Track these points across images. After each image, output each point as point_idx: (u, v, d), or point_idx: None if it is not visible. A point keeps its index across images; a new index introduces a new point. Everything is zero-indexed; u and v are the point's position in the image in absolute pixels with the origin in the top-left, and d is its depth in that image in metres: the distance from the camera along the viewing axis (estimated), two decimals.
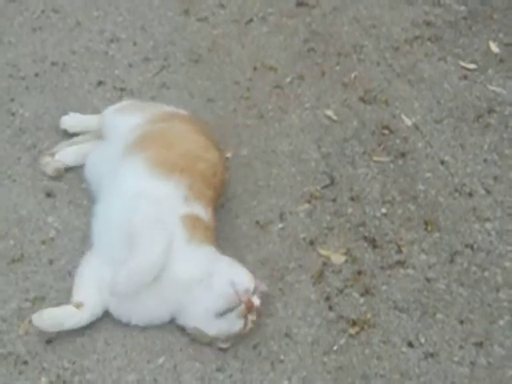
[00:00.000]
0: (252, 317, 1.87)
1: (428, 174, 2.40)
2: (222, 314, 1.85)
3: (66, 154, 2.34)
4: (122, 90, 2.64)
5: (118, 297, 1.87)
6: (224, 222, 2.22)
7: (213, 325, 1.87)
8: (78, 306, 1.89)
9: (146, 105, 2.36)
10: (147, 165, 2.00)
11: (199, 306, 1.87)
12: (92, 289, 1.92)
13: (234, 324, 1.87)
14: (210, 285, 1.86)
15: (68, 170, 2.34)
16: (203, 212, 1.99)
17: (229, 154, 2.45)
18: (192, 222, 1.94)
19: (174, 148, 2.08)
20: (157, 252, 1.83)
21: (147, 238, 1.84)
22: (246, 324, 1.87)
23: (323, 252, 2.17)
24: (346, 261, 2.15)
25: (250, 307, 1.86)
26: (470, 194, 2.33)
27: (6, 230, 2.17)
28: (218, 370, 1.88)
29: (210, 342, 1.91)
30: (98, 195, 2.11)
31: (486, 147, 2.48)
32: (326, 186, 2.37)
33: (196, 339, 1.91)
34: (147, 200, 1.92)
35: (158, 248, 1.83)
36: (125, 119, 2.22)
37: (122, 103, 2.41)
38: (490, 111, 2.60)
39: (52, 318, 1.86)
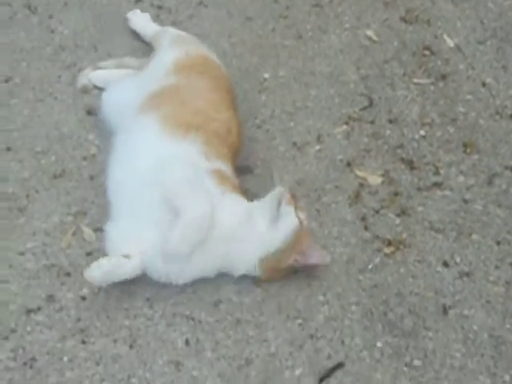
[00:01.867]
0: (301, 213, 1.88)
1: (469, 96, 2.37)
2: (274, 215, 1.87)
3: (97, 75, 2.35)
4: (159, 7, 2.61)
5: (171, 258, 1.84)
6: (261, 144, 2.23)
7: (270, 242, 1.87)
8: (127, 256, 1.86)
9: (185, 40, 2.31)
10: (164, 125, 1.96)
11: (250, 244, 1.88)
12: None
13: (288, 223, 1.86)
14: (254, 222, 1.88)
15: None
16: (225, 167, 1.97)
17: (267, 75, 2.44)
18: (220, 175, 1.92)
19: (187, 105, 2.03)
20: (204, 206, 1.81)
21: (190, 196, 1.82)
22: (299, 219, 1.86)
23: (360, 173, 2.17)
24: (383, 182, 2.15)
25: (293, 195, 1.88)
26: (511, 117, 2.30)
27: (47, 147, 2.20)
28: (254, 285, 1.92)
29: (281, 270, 1.90)
30: (116, 132, 2.08)
31: None
32: (364, 108, 2.36)
33: (268, 278, 1.91)
34: (176, 161, 1.91)
35: (203, 203, 1.81)
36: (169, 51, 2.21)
37: (179, 36, 2.35)
38: None
39: (103, 269, 1.82)
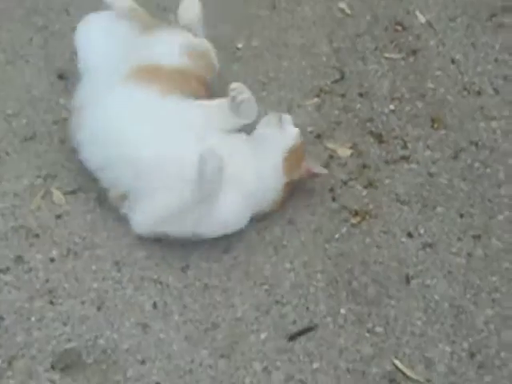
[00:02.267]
0: None
1: (438, 72, 2.41)
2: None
3: None
4: None
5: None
6: None
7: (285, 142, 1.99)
8: None
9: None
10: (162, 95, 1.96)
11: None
12: None
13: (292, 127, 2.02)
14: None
15: None
16: None
17: (240, 45, 2.46)
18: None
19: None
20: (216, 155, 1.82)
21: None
22: None
23: (330, 145, 2.20)
24: (352, 154, 2.18)
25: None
26: (479, 93, 2.35)
27: (18, 109, 2.20)
28: (224, 251, 1.95)
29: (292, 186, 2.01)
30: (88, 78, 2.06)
31: (497, 47, 2.48)
32: (335, 81, 2.38)
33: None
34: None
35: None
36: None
37: None
38: (505, 10, 2.58)
39: None
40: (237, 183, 1.88)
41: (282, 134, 2.00)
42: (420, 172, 2.15)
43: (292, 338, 1.80)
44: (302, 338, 1.79)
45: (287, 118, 2.05)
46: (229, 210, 1.88)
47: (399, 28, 2.54)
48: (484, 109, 2.30)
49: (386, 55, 2.46)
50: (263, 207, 1.98)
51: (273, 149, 1.97)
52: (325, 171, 2.06)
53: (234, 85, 1.95)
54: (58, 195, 2.01)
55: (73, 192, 2.03)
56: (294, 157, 1.99)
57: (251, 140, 2.00)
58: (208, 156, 1.78)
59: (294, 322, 1.82)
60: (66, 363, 1.71)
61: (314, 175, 2.05)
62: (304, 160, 2.02)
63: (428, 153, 2.19)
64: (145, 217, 1.88)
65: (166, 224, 1.86)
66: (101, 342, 1.75)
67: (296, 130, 2.02)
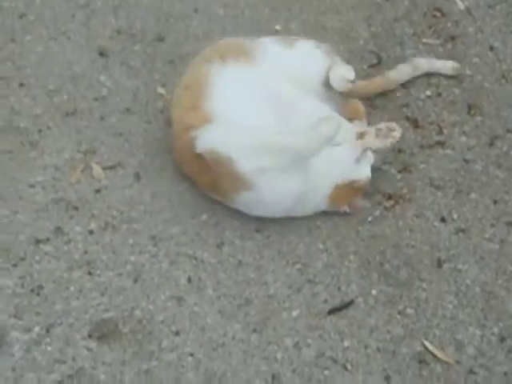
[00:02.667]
0: None
1: (476, 59, 2.41)
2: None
3: None
4: None
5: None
6: None
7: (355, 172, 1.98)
8: None
9: None
10: None
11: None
12: None
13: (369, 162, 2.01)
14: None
15: (121, 31, 2.39)
16: None
17: (278, 27, 2.47)
18: None
19: None
20: None
21: None
22: None
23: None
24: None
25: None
26: None
27: (60, 85, 2.24)
28: (257, 230, 1.97)
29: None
30: None
31: None
32: (372, 65, 2.39)
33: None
34: None
35: None
36: None
37: None
38: None
39: None
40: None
41: (354, 165, 1.97)
42: (455, 158, 2.16)
43: (331, 312, 1.83)
44: (334, 317, 1.81)
45: (370, 157, 2.01)
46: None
47: (438, 14, 2.54)
48: None
49: (424, 41, 2.46)
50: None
51: (334, 171, 1.95)
52: (367, 205, 2.03)
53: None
54: (97, 170, 2.05)
55: (112, 167, 2.07)
56: (349, 192, 1.98)
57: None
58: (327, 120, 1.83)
59: (326, 301, 1.85)
60: (103, 332, 1.75)
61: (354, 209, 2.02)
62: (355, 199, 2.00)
63: (464, 139, 2.20)
64: None
65: None
66: (137, 312, 1.79)
67: (368, 172, 1.99)
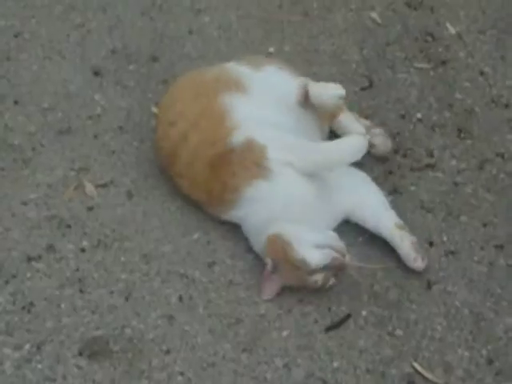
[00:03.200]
0: None
1: (466, 84, 2.44)
2: None
3: None
4: None
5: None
6: None
7: None
8: None
9: None
10: None
11: None
12: None
13: None
14: None
15: (116, 51, 2.42)
16: None
17: (271, 49, 2.50)
18: None
19: None
20: None
21: None
22: None
23: None
24: (378, 160, 2.22)
25: None
26: (507, 106, 2.38)
27: (54, 103, 2.26)
28: (248, 250, 1.98)
29: None
30: None
31: None
32: (364, 88, 2.42)
33: None
34: None
35: None
36: None
37: None
38: None
39: None
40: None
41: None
42: (445, 180, 2.18)
43: (329, 329, 1.84)
44: (323, 337, 1.82)
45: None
46: None
47: (429, 39, 2.58)
48: (511, 122, 2.32)
49: (416, 65, 2.49)
50: None
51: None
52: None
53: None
54: (90, 188, 2.07)
55: (104, 185, 2.08)
56: None
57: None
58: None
59: (316, 321, 1.85)
60: (94, 350, 1.75)
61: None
62: None
63: (454, 162, 2.22)
64: None
65: None
66: (127, 331, 1.80)
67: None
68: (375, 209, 1.99)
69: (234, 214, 1.96)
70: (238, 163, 1.90)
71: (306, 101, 2.07)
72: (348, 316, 1.86)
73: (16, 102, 2.24)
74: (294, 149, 1.91)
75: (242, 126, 1.94)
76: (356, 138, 1.94)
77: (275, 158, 1.87)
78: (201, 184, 1.97)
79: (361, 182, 2.04)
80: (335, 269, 1.82)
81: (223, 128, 1.95)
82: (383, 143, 2.21)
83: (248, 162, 1.89)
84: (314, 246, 1.82)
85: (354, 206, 1.99)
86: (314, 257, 1.80)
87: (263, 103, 2.02)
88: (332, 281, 1.85)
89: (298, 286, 1.87)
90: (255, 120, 1.96)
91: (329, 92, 2.05)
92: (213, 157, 1.93)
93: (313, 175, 1.91)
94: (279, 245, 1.83)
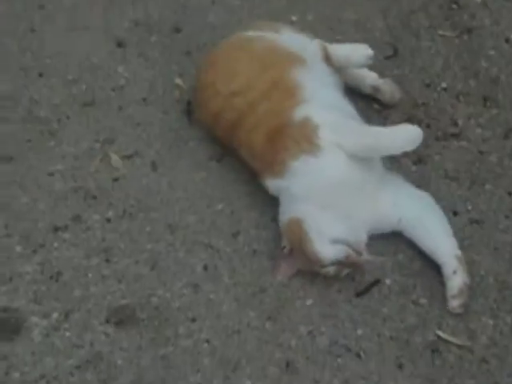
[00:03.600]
0: None
1: (492, 52, 2.41)
2: None
3: None
4: None
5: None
6: None
7: None
8: None
9: None
10: None
11: None
12: None
13: None
14: None
15: (138, 22, 2.42)
16: None
17: (294, 18, 2.49)
18: None
19: None
20: None
21: None
22: None
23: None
24: None
25: None
26: None
27: (78, 75, 2.27)
28: (273, 220, 1.98)
29: None
30: None
31: None
32: (388, 57, 2.40)
33: None
34: None
35: None
36: None
37: None
38: None
39: None
40: None
41: None
42: (470, 150, 2.16)
43: (359, 294, 1.86)
44: (347, 305, 1.83)
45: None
46: None
47: (454, 6, 2.54)
48: None
49: (440, 33, 2.46)
50: None
51: None
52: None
53: None
54: (115, 159, 2.09)
55: (129, 156, 2.10)
56: None
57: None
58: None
59: (340, 291, 1.87)
60: (121, 318, 1.78)
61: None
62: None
63: (479, 131, 2.21)
64: None
65: None
66: (154, 299, 1.82)
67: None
68: (437, 233, 1.92)
69: (278, 185, 1.92)
70: (291, 137, 1.89)
71: (327, 61, 2.09)
72: (377, 281, 1.88)
73: (40, 75, 2.25)
74: (347, 130, 1.90)
75: (306, 102, 1.94)
76: (412, 128, 1.89)
77: (327, 138, 1.85)
78: (257, 152, 1.95)
79: (425, 202, 1.97)
80: (348, 265, 1.82)
81: (291, 101, 1.94)
82: (390, 90, 2.24)
83: (300, 137, 1.87)
84: (331, 240, 1.81)
85: (412, 223, 1.93)
86: (327, 252, 1.80)
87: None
88: (346, 271, 1.85)
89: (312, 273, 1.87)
90: (317, 96, 1.96)
91: (358, 53, 2.08)
92: (273, 127, 1.92)
93: (363, 159, 1.87)
94: (297, 232, 1.83)
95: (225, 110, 2.01)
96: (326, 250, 1.80)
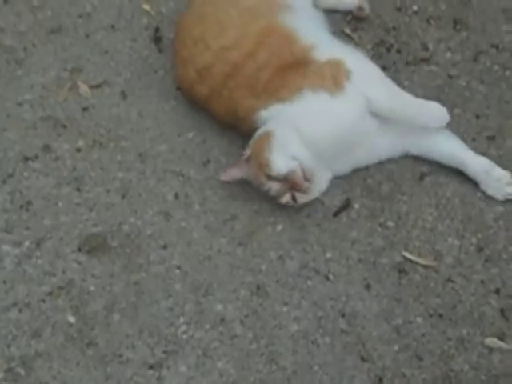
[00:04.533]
0: None
1: None
2: None
3: None
4: None
5: None
6: None
7: None
8: None
9: None
10: None
11: None
12: None
13: None
14: None
15: None
16: None
17: None
18: None
19: None
20: None
21: None
22: None
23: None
24: (373, 56, 2.19)
25: None
26: None
27: (43, 1, 2.22)
28: (243, 147, 1.98)
29: None
30: None
31: None
32: None
33: None
34: None
35: None
36: None
37: None
38: None
39: None
40: None
41: None
42: (439, 74, 2.16)
43: (335, 214, 1.90)
44: (316, 230, 1.87)
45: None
46: None
47: None
48: (507, 11, 2.28)
49: None
50: None
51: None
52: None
53: None
54: (84, 88, 2.07)
55: (98, 86, 2.09)
56: None
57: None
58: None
59: (309, 215, 1.90)
60: (92, 246, 1.81)
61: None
62: None
63: (448, 55, 2.20)
64: None
65: None
66: (125, 227, 1.85)
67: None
68: (453, 144, 1.98)
69: (276, 110, 1.90)
70: (314, 70, 1.88)
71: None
72: (348, 201, 1.91)
73: (5, 2, 2.21)
74: (381, 87, 1.92)
75: (321, 46, 1.93)
76: (442, 109, 1.94)
77: (357, 86, 1.86)
78: (260, 87, 1.91)
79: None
80: (290, 184, 1.81)
81: (297, 46, 1.93)
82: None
83: (327, 73, 1.87)
84: (290, 156, 1.81)
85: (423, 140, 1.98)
86: (279, 163, 1.80)
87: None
88: (287, 198, 1.84)
89: (255, 186, 1.88)
90: (321, 39, 1.98)
91: None
92: (289, 61, 1.91)
93: (382, 120, 1.90)
94: (264, 140, 1.84)
95: (215, 64, 1.97)
96: (280, 160, 1.80)
